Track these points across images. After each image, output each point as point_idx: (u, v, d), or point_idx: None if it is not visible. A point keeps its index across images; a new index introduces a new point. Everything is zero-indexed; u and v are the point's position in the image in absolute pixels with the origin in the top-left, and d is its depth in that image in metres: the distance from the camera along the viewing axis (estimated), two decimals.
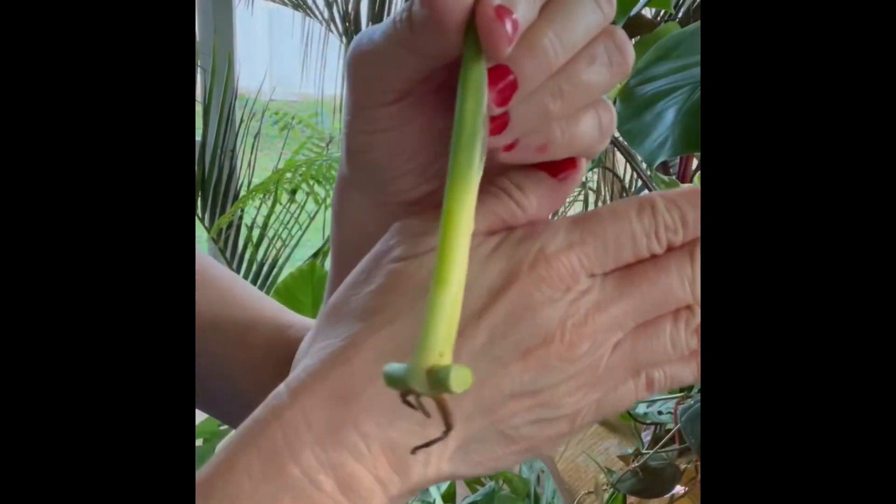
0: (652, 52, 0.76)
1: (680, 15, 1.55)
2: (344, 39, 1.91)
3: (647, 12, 1.53)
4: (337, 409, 0.24)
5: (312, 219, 1.78)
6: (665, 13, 1.56)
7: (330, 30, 1.95)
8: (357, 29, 1.88)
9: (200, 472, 0.25)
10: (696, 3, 1.55)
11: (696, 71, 0.71)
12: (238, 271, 1.80)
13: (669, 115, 0.70)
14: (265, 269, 1.79)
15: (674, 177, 0.78)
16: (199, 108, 1.78)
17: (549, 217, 0.29)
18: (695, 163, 1.28)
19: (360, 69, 0.27)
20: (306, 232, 1.79)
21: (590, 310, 0.25)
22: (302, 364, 0.26)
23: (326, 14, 1.91)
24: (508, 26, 0.23)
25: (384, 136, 0.28)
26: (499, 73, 0.24)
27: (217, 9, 1.85)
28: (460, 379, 0.22)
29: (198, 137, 1.78)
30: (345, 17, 1.88)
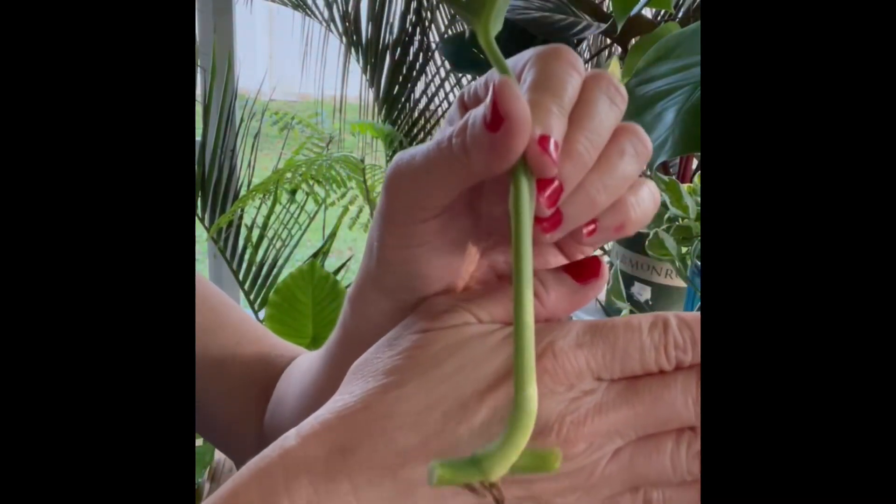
0: (652, 52, 0.76)
1: (680, 15, 1.55)
2: (344, 39, 1.91)
3: (647, 12, 1.53)
4: (335, 459, 0.25)
5: (312, 219, 1.78)
6: (665, 13, 1.56)
7: (330, 30, 1.95)
8: (357, 29, 1.88)
9: (207, 501, 0.26)
10: (696, 3, 1.55)
11: (696, 71, 0.71)
12: (238, 271, 1.80)
13: (669, 116, 0.70)
14: (265, 269, 1.79)
15: (674, 177, 0.78)
16: (199, 108, 1.77)
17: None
18: (695, 163, 1.28)
19: (399, 186, 0.29)
20: (306, 232, 1.79)
21: (590, 410, 0.26)
22: (315, 413, 0.27)
23: (326, 14, 1.91)
24: (552, 151, 0.26)
25: (419, 250, 0.30)
26: (545, 182, 0.26)
27: (217, 9, 1.85)
28: (559, 457, 0.24)
29: (198, 137, 1.78)
30: (345, 16, 1.88)
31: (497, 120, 0.25)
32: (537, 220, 0.27)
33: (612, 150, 0.28)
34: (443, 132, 0.30)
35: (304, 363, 0.43)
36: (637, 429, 0.26)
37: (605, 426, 0.26)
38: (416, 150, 0.28)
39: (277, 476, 0.25)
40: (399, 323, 0.32)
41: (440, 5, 1.80)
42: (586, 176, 0.27)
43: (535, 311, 0.28)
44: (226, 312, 0.50)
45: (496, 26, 0.28)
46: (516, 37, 1.46)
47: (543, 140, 0.25)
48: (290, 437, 0.26)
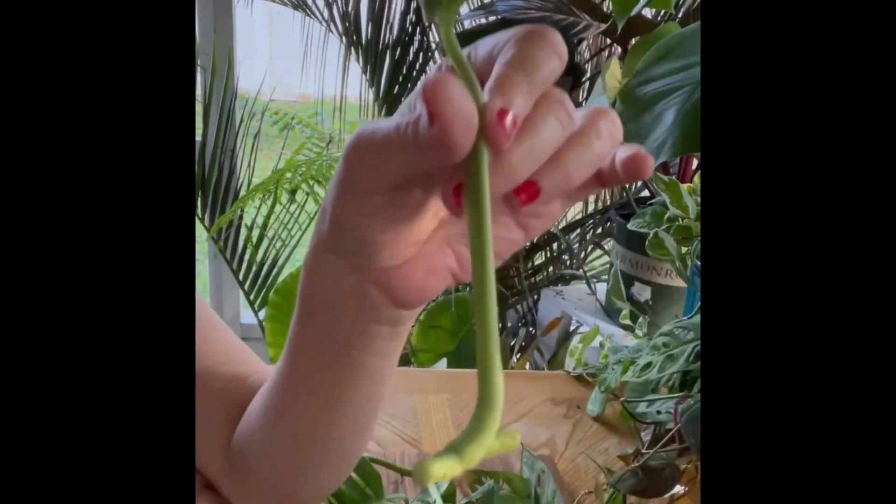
0: (652, 52, 0.76)
1: (680, 15, 1.55)
2: (344, 39, 1.91)
3: (647, 12, 1.52)
4: None
5: (312, 219, 1.78)
6: (665, 13, 1.56)
7: (330, 30, 1.94)
8: (357, 29, 1.88)
9: None
10: (696, 3, 1.55)
11: (696, 71, 0.71)
12: (238, 271, 1.80)
13: (669, 116, 0.70)
14: (265, 269, 1.79)
15: (674, 177, 0.78)
16: (199, 108, 1.78)
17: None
18: (695, 163, 1.28)
19: (358, 159, 0.30)
20: (306, 232, 1.79)
21: None
22: None
23: (326, 14, 1.91)
24: (508, 125, 0.26)
25: (372, 219, 0.31)
26: (496, 154, 0.27)
27: (217, 9, 1.85)
28: (517, 437, 0.27)
29: (198, 137, 1.78)
30: (345, 16, 1.88)
31: (432, 119, 0.25)
32: (515, 191, 0.27)
33: (589, 131, 0.29)
34: (404, 113, 0.30)
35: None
36: None
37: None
38: (379, 126, 0.29)
39: None
40: (355, 283, 0.34)
41: None
42: (565, 153, 0.28)
43: None
44: (216, 332, 0.51)
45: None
46: None
47: (502, 113, 0.26)
48: None
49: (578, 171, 0.28)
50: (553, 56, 0.28)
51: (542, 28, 0.28)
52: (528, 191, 0.28)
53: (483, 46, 0.29)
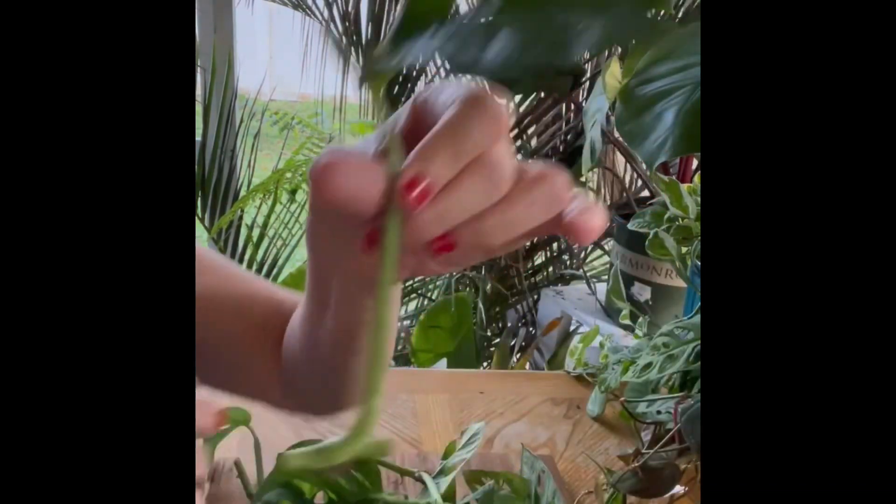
0: (652, 52, 0.76)
1: (680, 15, 1.55)
2: (344, 39, 1.91)
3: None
4: None
5: None
6: (665, 13, 1.56)
7: (330, 30, 1.95)
8: (357, 29, 1.88)
9: None
10: (696, 3, 1.55)
11: (696, 71, 0.71)
12: None
13: (669, 116, 0.70)
14: (265, 269, 1.79)
15: (674, 177, 0.78)
16: (199, 108, 1.78)
17: None
18: (695, 163, 1.28)
19: (310, 185, 0.32)
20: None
21: None
22: None
23: (326, 14, 1.91)
24: (415, 195, 0.28)
25: (333, 234, 0.35)
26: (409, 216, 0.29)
27: (217, 8, 1.85)
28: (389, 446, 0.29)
29: (198, 137, 1.78)
30: (344, 16, 1.88)
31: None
32: (428, 242, 0.29)
33: (518, 197, 0.29)
34: (377, 138, 0.32)
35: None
36: None
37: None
38: (319, 160, 0.30)
39: None
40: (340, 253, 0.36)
41: None
42: (486, 216, 0.29)
43: None
44: (237, 269, 0.55)
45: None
46: None
47: (412, 182, 0.27)
48: None
49: (499, 233, 0.29)
50: (490, 124, 0.28)
51: (485, 94, 0.28)
52: (442, 243, 0.29)
53: (445, 93, 0.30)
